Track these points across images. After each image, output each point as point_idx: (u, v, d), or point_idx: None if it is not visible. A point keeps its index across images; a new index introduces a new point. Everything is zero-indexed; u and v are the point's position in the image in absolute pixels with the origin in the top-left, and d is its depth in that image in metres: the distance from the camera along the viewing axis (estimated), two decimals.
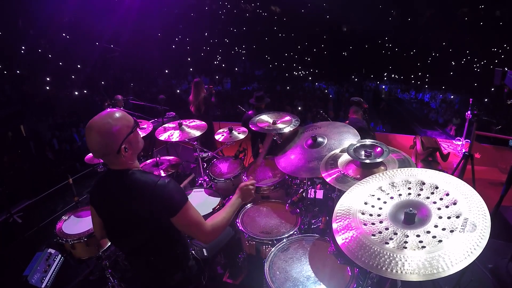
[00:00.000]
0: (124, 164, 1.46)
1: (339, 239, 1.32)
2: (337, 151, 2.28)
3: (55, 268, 2.69)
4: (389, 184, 1.49)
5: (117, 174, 1.47)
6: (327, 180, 1.98)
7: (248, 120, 3.74)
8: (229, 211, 1.67)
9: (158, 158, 3.56)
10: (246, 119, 4.04)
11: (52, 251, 2.76)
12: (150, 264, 1.58)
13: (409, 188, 1.44)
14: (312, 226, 2.84)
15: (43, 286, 2.52)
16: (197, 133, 3.28)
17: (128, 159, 1.46)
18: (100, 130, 1.35)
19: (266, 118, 3.26)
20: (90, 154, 3.55)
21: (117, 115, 1.40)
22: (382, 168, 1.95)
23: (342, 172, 2.00)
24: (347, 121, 3.93)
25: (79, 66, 17.00)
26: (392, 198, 1.43)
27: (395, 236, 1.25)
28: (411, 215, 1.28)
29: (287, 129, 2.99)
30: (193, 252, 1.78)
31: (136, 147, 1.50)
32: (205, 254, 1.90)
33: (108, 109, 1.46)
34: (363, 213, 1.40)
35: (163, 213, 1.42)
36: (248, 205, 2.76)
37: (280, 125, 3.09)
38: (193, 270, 1.70)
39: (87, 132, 1.37)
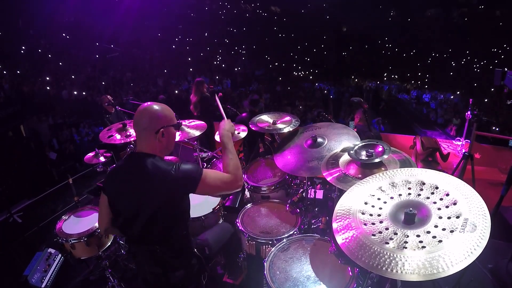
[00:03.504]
0: (153, 149, 1.59)
1: (339, 239, 1.32)
2: (338, 150, 2.28)
3: (55, 268, 2.69)
4: (389, 184, 1.49)
5: (139, 157, 1.58)
6: (328, 179, 1.98)
7: (241, 123, 3.74)
8: (229, 151, 1.76)
9: None
10: (238, 122, 4.03)
11: (52, 250, 2.76)
12: (154, 254, 1.59)
13: (409, 188, 1.44)
14: (312, 226, 2.84)
15: (43, 286, 2.52)
16: (197, 133, 3.28)
17: (159, 146, 1.60)
18: (153, 107, 1.60)
19: (266, 118, 3.26)
20: (90, 154, 3.54)
21: (167, 107, 1.64)
22: (383, 168, 1.95)
23: (343, 171, 2.00)
24: (355, 129, 3.91)
25: (79, 66, 16.99)
26: (392, 198, 1.43)
27: (395, 236, 1.25)
28: (411, 215, 1.28)
29: (287, 129, 2.99)
30: (195, 250, 1.78)
31: (170, 142, 1.66)
32: (207, 252, 1.90)
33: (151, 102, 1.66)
34: (363, 213, 1.40)
35: (182, 191, 1.58)
36: (248, 205, 2.77)
37: (280, 125, 3.09)
38: (194, 268, 1.71)
39: (139, 110, 1.60)
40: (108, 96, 4.76)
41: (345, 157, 2.13)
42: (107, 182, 1.70)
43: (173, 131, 1.65)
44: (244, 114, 4.28)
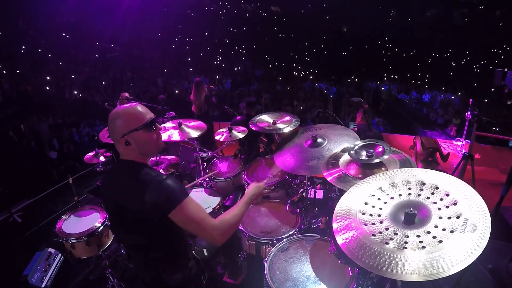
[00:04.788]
0: (130, 157, 1.50)
1: (340, 239, 1.32)
2: (338, 150, 2.28)
3: (55, 267, 2.69)
4: (390, 184, 1.49)
5: (121, 164, 1.52)
6: (329, 179, 1.98)
7: (236, 125, 3.75)
8: (240, 208, 1.59)
9: (158, 158, 3.57)
10: (234, 124, 4.03)
11: (52, 250, 2.76)
12: (149, 260, 1.58)
13: (410, 189, 1.44)
14: (312, 226, 2.84)
15: (43, 285, 2.52)
16: (196, 133, 3.28)
17: (131, 153, 1.48)
18: (113, 116, 1.47)
19: (266, 118, 3.27)
20: (90, 154, 3.55)
21: (132, 110, 1.47)
22: (383, 168, 1.95)
23: (343, 171, 2.00)
24: (356, 128, 3.93)
25: (79, 66, 17.00)
26: (392, 198, 1.43)
27: (395, 236, 1.25)
28: (411, 215, 1.28)
29: (287, 129, 3.00)
30: (193, 252, 1.77)
31: (143, 147, 1.48)
32: (205, 254, 1.90)
33: (134, 103, 1.55)
34: (363, 213, 1.40)
35: (157, 209, 1.38)
36: None
37: (280, 125, 3.09)
38: (193, 271, 1.70)
39: (108, 118, 1.50)
40: (126, 94, 5.27)
41: (345, 157, 2.13)
42: (101, 187, 1.69)
43: (142, 134, 1.45)
44: (239, 117, 4.28)
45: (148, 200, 1.36)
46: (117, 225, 1.60)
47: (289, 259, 2.02)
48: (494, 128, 8.30)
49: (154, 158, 3.53)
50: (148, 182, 1.39)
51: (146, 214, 1.39)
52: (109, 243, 2.82)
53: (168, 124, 3.48)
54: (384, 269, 1.14)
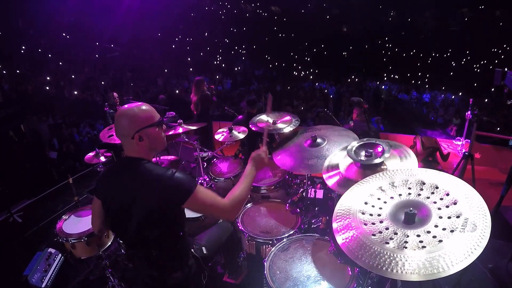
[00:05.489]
0: (138, 153, 1.55)
1: (339, 239, 1.32)
2: (332, 159, 2.22)
3: (55, 267, 2.69)
4: (389, 184, 1.49)
5: (129, 161, 1.56)
6: (330, 185, 1.97)
7: (238, 125, 3.76)
8: (246, 182, 1.71)
9: (158, 158, 3.57)
10: (235, 124, 4.04)
11: (52, 250, 2.76)
12: (151, 258, 1.59)
13: (409, 188, 1.44)
14: (312, 226, 2.84)
15: (43, 285, 2.52)
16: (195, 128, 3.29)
17: (142, 149, 1.54)
18: (125, 113, 1.53)
19: (266, 118, 3.26)
20: (90, 154, 3.55)
21: (143, 107, 1.57)
22: (384, 167, 1.94)
23: (343, 176, 1.98)
24: (352, 123, 3.93)
25: (79, 66, 17.00)
26: (392, 198, 1.43)
27: (395, 236, 1.25)
28: (411, 215, 1.28)
29: (287, 129, 2.99)
30: (192, 250, 1.78)
31: (154, 143, 1.58)
32: (205, 252, 1.90)
33: (139, 102, 1.62)
34: (363, 213, 1.40)
35: (171, 201, 1.48)
36: (248, 205, 2.77)
37: (280, 125, 3.09)
38: (192, 269, 1.71)
39: (117, 115, 1.56)
40: (115, 93, 5.26)
41: (346, 161, 2.12)
42: (98, 185, 1.68)
43: (154, 131, 1.56)
44: (240, 116, 4.29)
45: (160, 194, 1.44)
46: (120, 224, 1.60)
47: (289, 259, 2.02)
48: (498, 129, 8.31)
49: (154, 159, 3.53)
50: (160, 176, 1.47)
51: (157, 207, 1.46)
52: (109, 243, 2.82)
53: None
54: (384, 268, 1.14)
